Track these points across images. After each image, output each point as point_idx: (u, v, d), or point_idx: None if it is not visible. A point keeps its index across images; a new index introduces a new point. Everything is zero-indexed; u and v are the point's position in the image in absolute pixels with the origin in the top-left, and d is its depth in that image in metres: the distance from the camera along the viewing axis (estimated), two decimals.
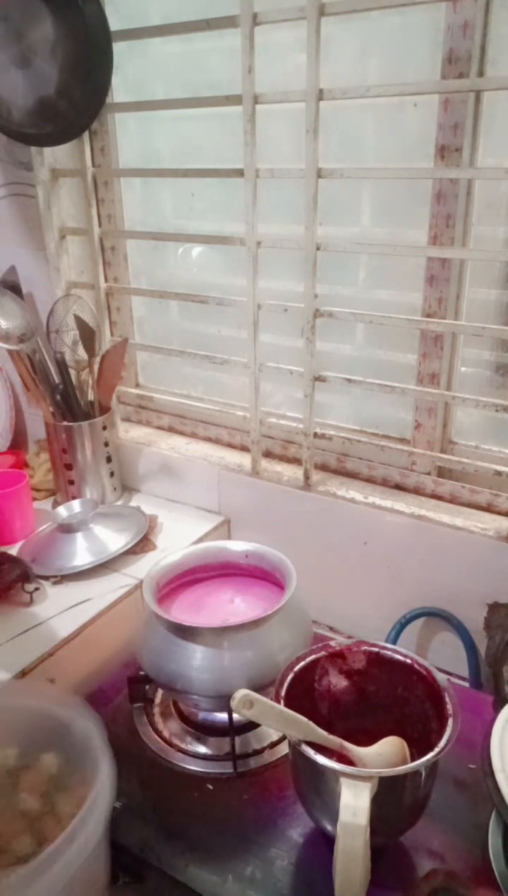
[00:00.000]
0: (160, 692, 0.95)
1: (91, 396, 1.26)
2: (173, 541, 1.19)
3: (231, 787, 0.82)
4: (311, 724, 0.67)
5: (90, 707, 0.70)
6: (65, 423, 1.23)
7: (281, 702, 0.70)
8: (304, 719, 0.67)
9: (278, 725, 0.67)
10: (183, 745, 0.87)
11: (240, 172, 1.05)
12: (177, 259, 1.30)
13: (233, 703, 0.65)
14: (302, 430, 1.14)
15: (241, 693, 0.65)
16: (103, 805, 0.60)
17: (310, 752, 0.65)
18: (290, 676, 0.75)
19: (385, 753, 0.71)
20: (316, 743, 0.67)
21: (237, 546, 0.97)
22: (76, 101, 1.11)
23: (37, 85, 1.10)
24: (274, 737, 0.88)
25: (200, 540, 1.20)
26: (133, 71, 1.21)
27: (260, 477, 1.21)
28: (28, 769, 0.71)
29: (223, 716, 0.85)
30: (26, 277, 1.31)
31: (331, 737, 0.68)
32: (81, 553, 1.11)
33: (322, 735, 0.68)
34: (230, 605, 0.91)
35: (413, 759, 0.69)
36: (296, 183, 1.01)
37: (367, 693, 0.80)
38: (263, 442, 1.23)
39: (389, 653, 0.78)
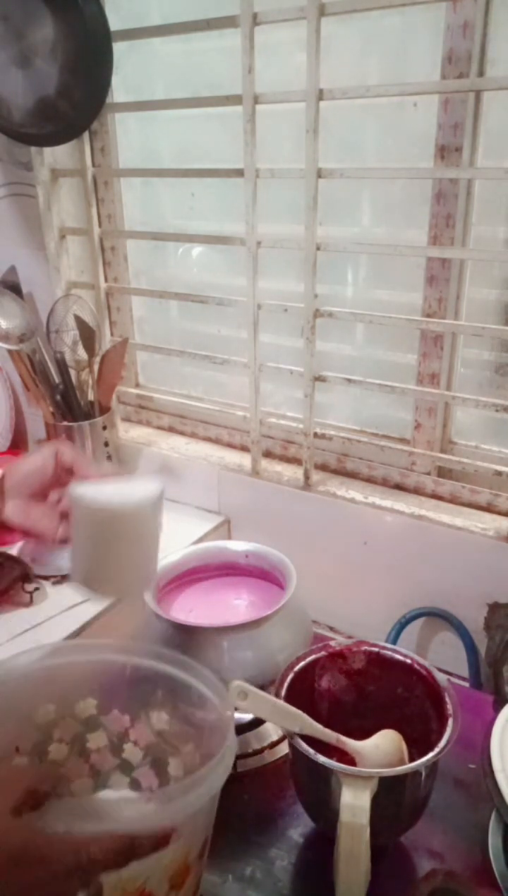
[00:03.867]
0: None
1: (91, 396, 1.26)
2: (173, 541, 1.19)
3: (231, 787, 0.81)
4: (305, 716, 0.67)
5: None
6: (65, 423, 1.23)
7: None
8: (298, 711, 0.67)
9: (272, 717, 0.68)
10: None
11: (240, 172, 1.05)
12: (177, 259, 1.31)
13: (228, 695, 0.65)
14: (302, 430, 1.14)
15: (235, 684, 0.65)
16: (229, 760, 0.60)
17: (310, 751, 0.65)
18: (290, 676, 0.75)
19: (382, 746, 0.71)
20: (315, 738, 0.67)
21: (237, 546, 0.97)
22: (76, 101, 1.11)
23: (37, 85, 1.10)
24: (275, 737, 0.88)
25: (200, 540, 1.20)
26: (133, 71, 1.21)
27: (261, 477, 1.21)
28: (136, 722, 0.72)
29: None
30: (26, 277, 1.31)
31: (327, 730, 0.68)
32: None
33: (317, 728, 0.68)
34: (230, 605, 0.91)
35: (412, 759, 0.69)
36: (296, 183, 1.01)
37: (367, 693, 0.79)
38: (263, 442, 1.23)
39: (389, 653, 0.78)
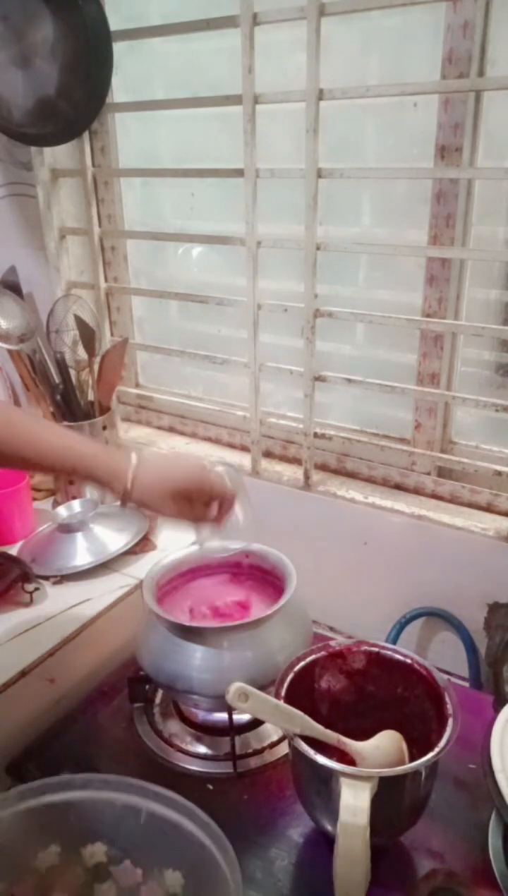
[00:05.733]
0: (160, 692, 0.95)
1: (91, 396, 1.26)
2: (173, 541, 1.19)
3: (231, 787, 0.81)
4: (306, 717, 0.67)
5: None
6: (65, 422, 1.23)
7: (281, 701, 0.70)
8: (299, 713, 0.67)
9: (273, 719, 0.67)
10: (183, 745, 0.87)
11: (240, 172, 1.05)
12: (177, 259, 1.30)
13: (228, 696, 0.65)
14: (302, 430, 1.14)
15: (236, 686, 0.65)
16: None
17: (310, 752, 0.65)
18: (290, 676, 0.75)
19: (382, 747, 0.71)
20: (315, 739, 0.67)
21: (237, 546, 0.97)
22: (76, 101, 1.11)
23: (37, 85, 1.10)
24: (275, 737, 0.88)
25: None
26: (133, 71, 1.21)
27: (261, 477, 1.21)
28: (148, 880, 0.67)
29: (223, 716, 0.85)
30: (26, 277, 1.31)
31: (328, 731, 0.68)
32: (81, 553, 1.11)
33: (318, 729, 0.68)
34: (230, 605, 0.91)
35: (412, 759, 0.69)
36: (296, 183, 1.01)
37: (367, 693, 0.79)
38: (263, 442, 1.23)
39: (389, 653, 0.78)
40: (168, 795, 0.65)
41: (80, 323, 1.21)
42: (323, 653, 0.78)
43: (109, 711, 0.93)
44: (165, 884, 0.65)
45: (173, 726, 0.90)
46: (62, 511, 1.16)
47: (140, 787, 0.67)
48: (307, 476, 1.16)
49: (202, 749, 0.87)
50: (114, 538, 1.14)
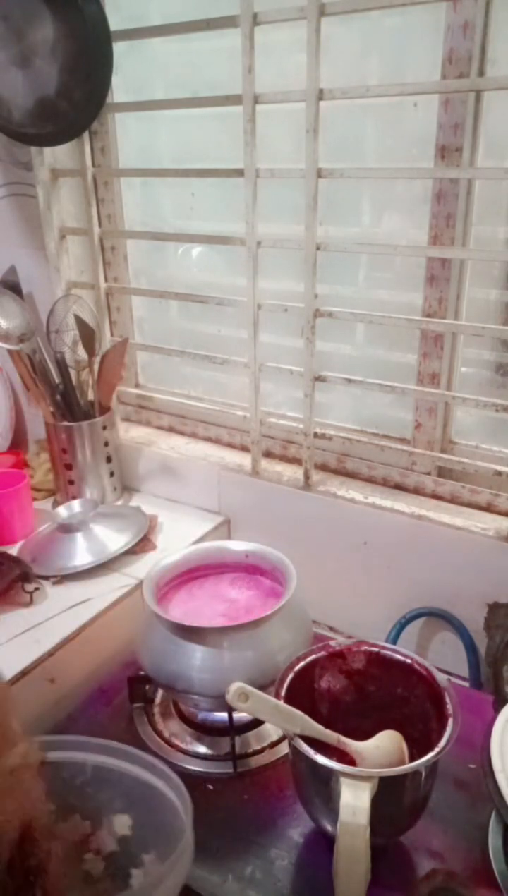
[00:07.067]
0: (160, 692, 0.95)
1: (91, 396, 1.26)
2: (173, 541, 1.19)
3: (231, 787, 0.82)
4: (306, 717, 0.67)
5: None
6: (65, 423, 1.23)
7: (281, 701, 0.70)
8: (299, 713, 0.67)
9: (273, 719, 0.68)
10: (183, 745, 0.87)
11: (240, 172, 1.05)
12: (177, 259, 1.31)
13: (228, 696, 0.65)
14: (302, 430, 1.14)
15: (236, 686, 0.65)
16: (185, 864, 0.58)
17: (310, 752, 0.65)
18: (290, 676, 0.75)
19: (382, 746, 0.71)
20: (315, 738, 0.67)
21: (237, 546, 0.97)
22: (76, 101, 1.11)
23: (37, 85, 1.10)
24: (275, 737, 0.88)
25: (200, 540, 1.20)
26: (133, 71, 1.21)
27: (260, 477, 1.21)
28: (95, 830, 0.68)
29: (223, 716, 0.85)
30: (26, 277, 1.31)
31: (328, 731, 0.69)
32: (81, 553, 1.11)
33: (318, 729, 0.68)
34: (230, 605, 0.91)
35: (412, 759, 0.69)
36: (296, 183, 1.01)
37: (367, 693, 0.80)
38: (263, 442, 1.23)
39: (389, 653, 0.78)
40: (111, 746, 0.67)
41: (80, 323, 1.21)
42: (323, 653, 0.78)
43: (109, 711, 0.93)
44: (114, 829, 0.67)
45: (173, 726, 0.90)
46: (62, 511, 1.16)
47: (83, 742, 0.69)
48: (307, 476, 1.16)
49: (202, 749, 0.87)
50: (114, 538, 1.14)
